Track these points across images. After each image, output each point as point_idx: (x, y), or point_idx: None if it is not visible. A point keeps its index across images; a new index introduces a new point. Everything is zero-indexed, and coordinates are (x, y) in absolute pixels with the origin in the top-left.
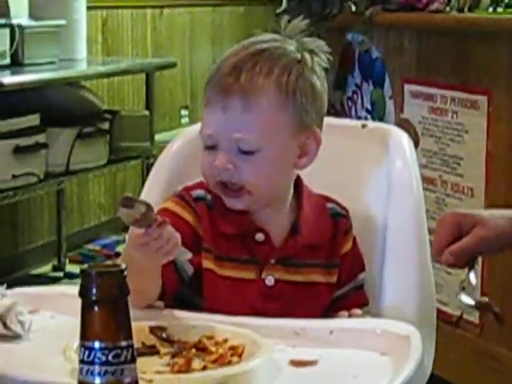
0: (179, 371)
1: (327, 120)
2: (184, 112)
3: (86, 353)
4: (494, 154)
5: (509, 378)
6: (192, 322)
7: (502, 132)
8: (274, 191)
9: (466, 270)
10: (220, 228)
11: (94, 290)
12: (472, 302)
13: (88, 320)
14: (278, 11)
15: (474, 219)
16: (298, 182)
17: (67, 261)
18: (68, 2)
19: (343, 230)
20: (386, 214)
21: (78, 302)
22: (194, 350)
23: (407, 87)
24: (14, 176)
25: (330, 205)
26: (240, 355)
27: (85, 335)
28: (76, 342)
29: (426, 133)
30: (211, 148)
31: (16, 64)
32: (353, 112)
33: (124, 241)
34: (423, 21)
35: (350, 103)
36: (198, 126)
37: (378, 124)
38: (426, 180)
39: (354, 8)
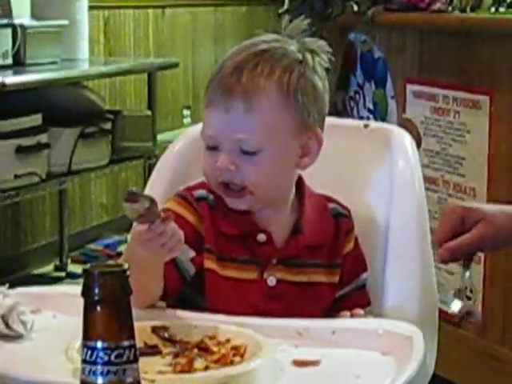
0: (181, 371)
1: (329, 120)
2: (186, 112)
3: (89, 353)
4: (495, 154)
5: (511, 377)
6: (194, 322)
7: (504, 132)
8: (275, 191)
9: (461, 268)
10: (222, 228)
11: (97, 290)
12: (457, 308)
13: (90, 320)
14: (280, 11)
15: (478, 215)
16: (300, 183)
17: (69, 261)
18: (70, 2)
19: (345, 230)
20: (388, 214)
21: (80, 301)
22: (196, 350)
23: (409, 87)
24: (16, 176)
25: (331, 205)
26: (242, 355)
27: (87, 335)
28: (78, 342)
29: (428, 133)
30: (213, 149)
31: (18, 64)
32: (355, 112)
33: (126, 241)
34: (425, 21)
35: (352, 103)
36: (200, 126)
37: (380, 124)
38: (428, 180)
39: (356, 8)
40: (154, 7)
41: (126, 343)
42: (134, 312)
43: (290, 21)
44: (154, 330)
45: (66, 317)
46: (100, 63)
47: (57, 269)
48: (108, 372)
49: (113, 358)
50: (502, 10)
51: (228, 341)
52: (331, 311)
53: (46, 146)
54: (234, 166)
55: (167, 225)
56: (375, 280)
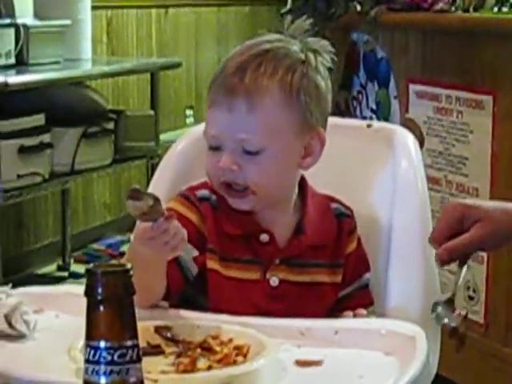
0: (184, 371)
1: (332, 120)
2: (189, 112)
3: (92, 352)
4: (498, 154)
5: None
6: (197, 322)
7: (507, 132)
8: (278, 191)
9: (457, 267)
10: (224, 229)
11: (100, 290)
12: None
13: (93, 319)
14: (282, 11)
15: (478, 213)
16: (303, 183)
17: (72, 260)
18: (73, 1)
19: (348, 230)
20: (391, 214)
21: (83, 301)
22: (198, 350)
23: (412, 87)
24: (18, 176)
25: (334, 205)
26: (245, 355)
27: (90, 335)
28: (81, 342)
29: (431, 133)
30: (216, 148)
31: (21, 64)
32: (358, 112)
33: (129, 240)
34: (428, 21)
35: (354, 103)
36: (203, 126)
37: (383, 124)
38: (431, 180)
39: (358, 8)
40: (157, 7)
41: (129, 343)
42: (137, 312)
43: (293, 21)
44: (157, 329)
45: (69, 316)
46: (103, 63)
47: (60, 268)
48: (111, 372)
49: (116, 357)
50: (504, 9)
51: (231, 341)
52: (334, 311)
53: (49, 145)
54: (237, 166)
55: (170, 223)
56: (378, 280)
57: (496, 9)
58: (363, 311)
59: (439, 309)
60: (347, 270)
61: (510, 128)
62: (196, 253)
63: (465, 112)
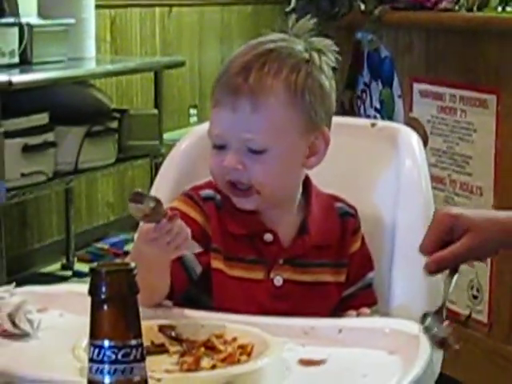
0: (188, 370)
1: (336, 119)
2: (193, 111)
3: (96, 351)
4: (502, 153)
5: None
6: (201, 321)
7: (511, 131)
8: (282, 191)
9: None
10: (229, 228)
11: (104, 289)
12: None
13: (97, 318)
14: (286, 10)
15: (466, 223)
16: (307, 182)
17: (76, 259)
18: (77, 0)
19: (352, 230)
20: (395, 214)
21: (87, 300)
22: (202, 349)
23: (416, 86)
24: (22, 174)
25: (338, 204)
26: (249, 354)
27: (94, 334)
28: (85, 341)
29: (434, 132)
30: (220, 148)
31: (25, 63)
32: (362, 111)
33: (133, 239)
34: (432, 20)
35: (358, 102)
36: (206, 125)
37: (387, 123)
38: (434, 179)
39: (362, 7)
40: (161, 6)
41: (133, 342)
42: (141, 311)
43: (297, 20)
44: (161, 328)
45: (73, 315)
46: (106, 62)
47: (63, 267)
48: (115, 371)
49: (120, 356)
50: (508, 9)
51: (235, 340)
52: (338, 310)
53: (53, 144)
54: (241, 166)
55: (174, 223)
56: (382, 279)
57: (500, 8)
58: (367, 310)
59: (428, 320)
60: (351, 270)
61: None
62: (200, 249)
63: (469, 111)
